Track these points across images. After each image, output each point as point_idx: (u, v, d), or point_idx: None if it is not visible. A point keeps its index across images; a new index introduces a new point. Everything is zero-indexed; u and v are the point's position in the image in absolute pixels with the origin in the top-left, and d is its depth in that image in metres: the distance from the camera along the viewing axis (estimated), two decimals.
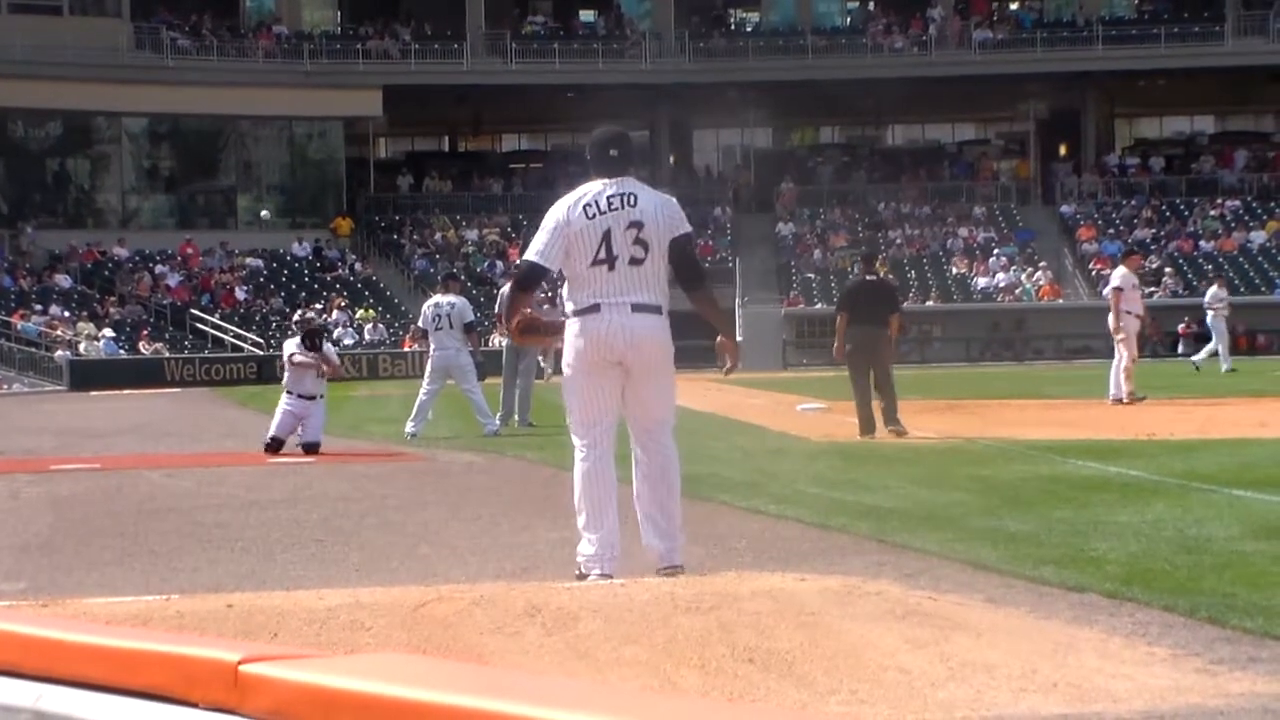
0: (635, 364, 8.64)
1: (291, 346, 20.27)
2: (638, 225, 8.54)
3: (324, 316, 60.67)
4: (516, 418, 22.76)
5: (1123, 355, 24.31)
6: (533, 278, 8.83)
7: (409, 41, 69.74)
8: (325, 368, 19.91)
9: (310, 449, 19.37)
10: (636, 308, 8.59)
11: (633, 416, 8.75)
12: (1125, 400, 23.90)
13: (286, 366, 20.16)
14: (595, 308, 8.54)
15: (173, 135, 68.11)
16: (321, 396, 19.80)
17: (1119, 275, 25.23)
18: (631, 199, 8.59)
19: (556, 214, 8.60)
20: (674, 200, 8.83)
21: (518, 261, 9.49)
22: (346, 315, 61.61)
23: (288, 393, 19.75)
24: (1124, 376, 24.20)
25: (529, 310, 9.22)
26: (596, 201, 8.56)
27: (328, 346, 20.67)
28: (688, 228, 8.81)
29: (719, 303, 9.61)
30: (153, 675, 3.54)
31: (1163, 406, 23.81)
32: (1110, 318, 24.43)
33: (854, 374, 19.52)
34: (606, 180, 8.63)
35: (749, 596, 6.95)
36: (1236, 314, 59.90)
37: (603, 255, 8.52)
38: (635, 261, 8.54)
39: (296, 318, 21.01)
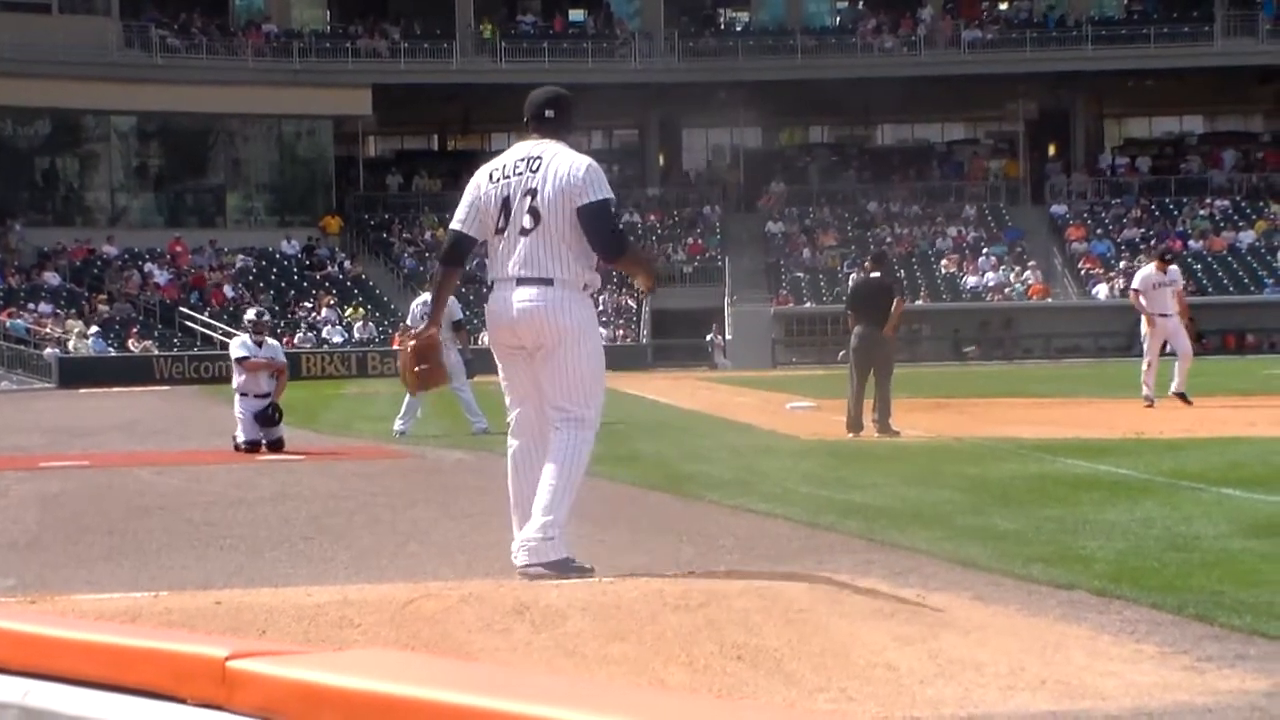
0: (527, 343, 7.96)
1: (239, 348, 20.17)
2: (532, 193, 7.90)
3: (313, 315, 60.69)
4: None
5: (1183, 353, 24.04)
6: (456, 247, 8.24)
7: (398, 40, 69.75)
8: (276, 372, 19.86)
9: (275, 446, 19.39)
10: (521, 281, 7.91)
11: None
12: (1189, 399, 23.63)
13: (236, 369, 20.04)
14: (490, 286, 8.06)
15: (161, 133, 68.08)
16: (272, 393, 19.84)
17: (1137, 276, 25.16)
18: (535, 163, 7.95)
19: (475, 180, 8.17)
20: (586, 165, 7.93)
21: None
22: (336, 313, 61.60)
23: (241, 395, 19.72)
24: (1145, 376, 23.95)
25: (434, 331, 8.49)
26: (504, 166, 8.05)
27: (273, 341, 20.60)
28: (598, 195, 7.91)
29: (645, 261, 8.64)
30: (141, 671, 3.54)
31: (1152, 406, 23.82)
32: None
33: (854, 372, 19.51)
34: (528, 142, 8.14)
35: (737, 594, 6.95)
36: (1224, 314, 60.21)
37: (501, 224, 7.98)
38: (524, 231, 7.91)
39: (249, 317, 20.98)
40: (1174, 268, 25.14)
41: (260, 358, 19.91)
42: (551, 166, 7.92)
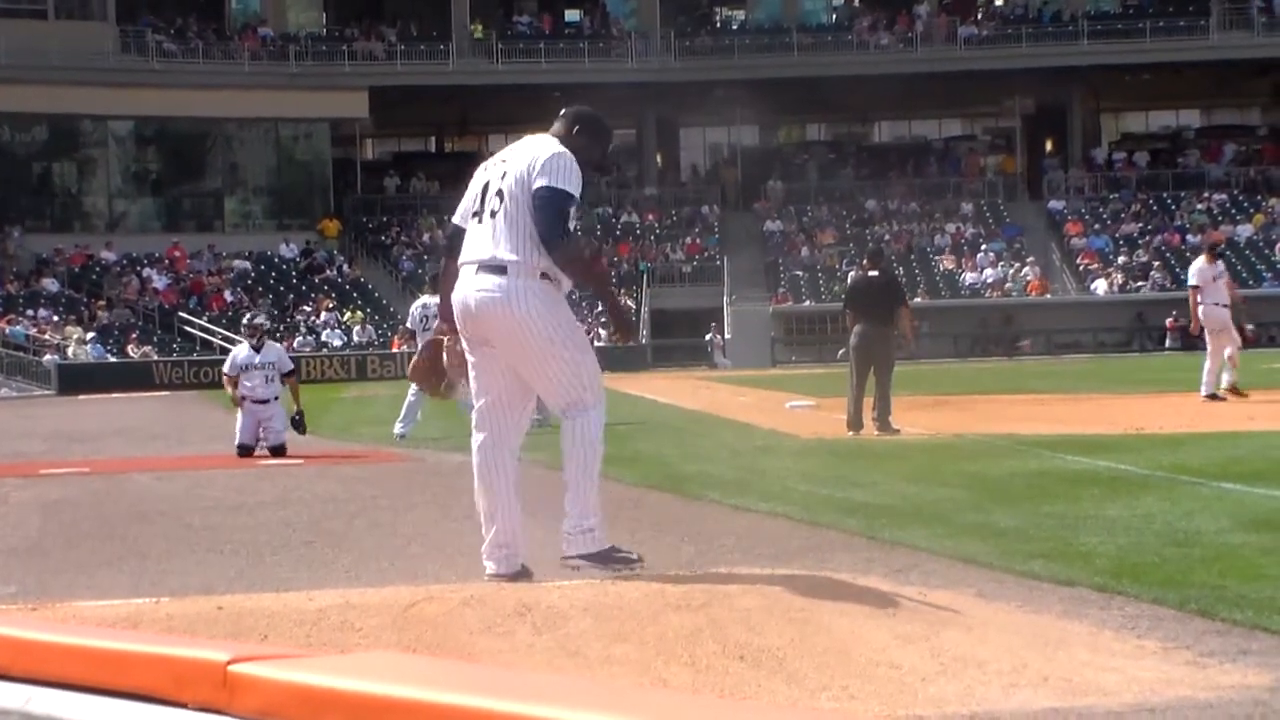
0: (492, 339, 7.80)
1: (229, 362, 20.28)
2: (503, 175, 7.77)
3: (312, 318, 60.60)
4: (538, 417, 22.72)
5: (1217, 350, 23.30)
6: (450, 239, 8.10)
7: (394, 42, 69.73)
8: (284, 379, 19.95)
9: (276, 451, 19.43)
10: (481, 267, 7.72)
11: None
12: (1222, 395, 22.94)
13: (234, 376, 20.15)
14: (458, 274, 7.91)
15: (159, 138, 68.07)
16: (276, 399, 19.89)
17: (1193, 270, 24.45)
18: (518, 151, 7.85)
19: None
20: (556, 153, 7.71)
21: None
22: (334, 316, 61.59)
23: (243, 398, 19.82)
24: (1224, 369, 23.22)
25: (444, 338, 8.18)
26: (499, 155, 7.98)
27: (275, 345, 20.61)
28: (554, 182, 7.63)
29: (609, 295, 8.35)
30: (142, 676, 3.54)
31: (1151, 400, 23.82)
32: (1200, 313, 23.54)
33: (854, 370, 19.49)
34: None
35: (739, 593, 6.95)
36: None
37: (477, 208, 7.84)
38: (492, 214, 7.74)
39: (245, 320, 21.11)
40: (1219, 260, 24.55)
41: (259, 363, 19.94)
42: (529, 150, 7.78)
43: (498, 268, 7.66)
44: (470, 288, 7.74)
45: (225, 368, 20.46)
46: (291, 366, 20.55)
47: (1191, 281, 24.20)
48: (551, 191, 7.63)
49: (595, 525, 7.81)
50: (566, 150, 7.79)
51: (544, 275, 7.71)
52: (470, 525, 11.45)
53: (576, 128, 7.99)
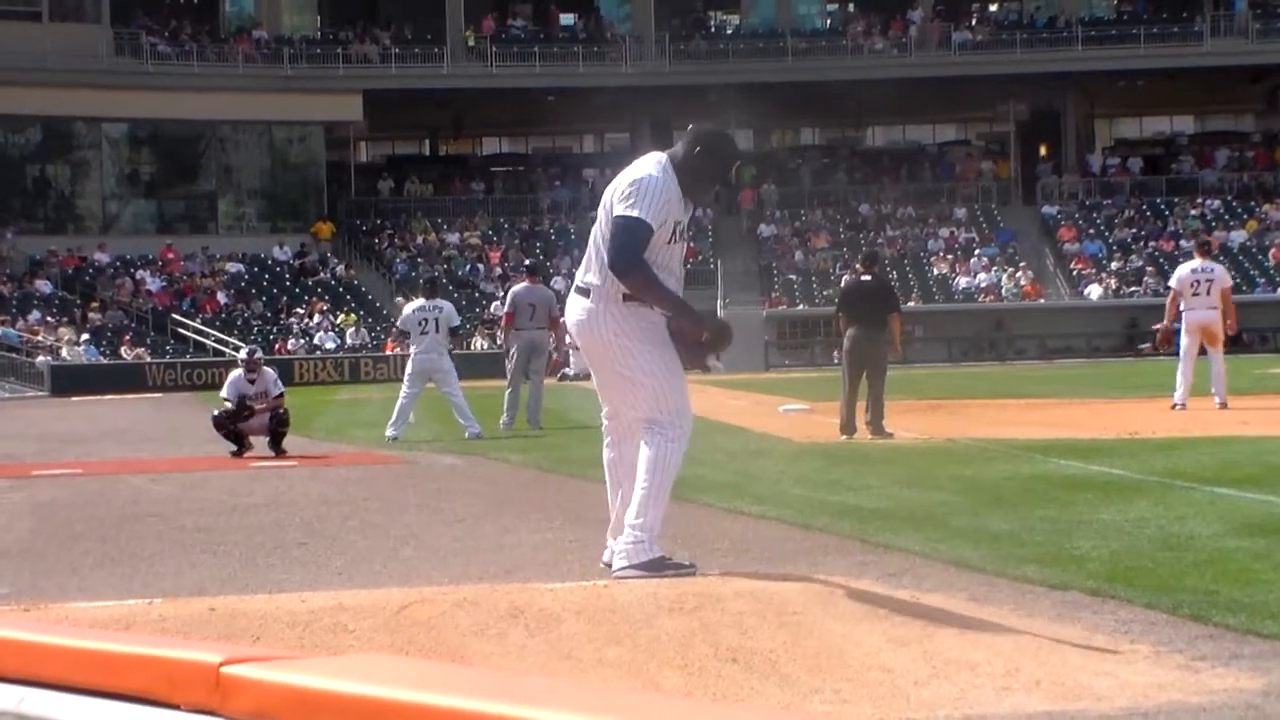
0: (586, 358, 8.20)
1: (227, 386, 20.30)
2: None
3: (305, 321, 60.49)
4: (527, 419, 22.76)
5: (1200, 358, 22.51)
6: None
7: (389, 45, 69.70)
8: (260, 406, 19.99)
9: (277, 424, 19.70)
10: (575, 289, 8.05)
11: None
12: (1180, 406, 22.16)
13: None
14: None
15: (153, 140, 68.01)
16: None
17: (1175, 275, 23.57)
18: (630, 166, 8.03)
19: None
20: (639, 178, 7.80)
21: None
22: (328, 319, 61.56)
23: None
24: (1182, 379, 22.43)
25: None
26: None
27: (268, 371, 20.62)
28: (627, 210, 7.74)
29: (654, 286, 7.87)
30: (135, 678, 3.53)
31: (1144, 404, 23.82)
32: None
33: (847, 374, 19.48)
34: None
35: (732, 597, 6.95)
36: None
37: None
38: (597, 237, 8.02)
39: (240, 356, 21.17)
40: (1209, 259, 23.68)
41: (253, 394, 19.93)
42: (624, 174, 7.92)
43: (584, 290, 7.91)
44: (569, 309, 8.04)
45: (223, 391, 20.45)
46: (280, 390, 20.50)
47: (1229, 283, 23.39)
48: (626, 220, 7.74)
49: (648, 539, 7.88)
50: (656, 174, 7.82)
51: (627, 297, 7.85)
52: (462, 528, 11.46)
53: (697, 148, 7.98)
